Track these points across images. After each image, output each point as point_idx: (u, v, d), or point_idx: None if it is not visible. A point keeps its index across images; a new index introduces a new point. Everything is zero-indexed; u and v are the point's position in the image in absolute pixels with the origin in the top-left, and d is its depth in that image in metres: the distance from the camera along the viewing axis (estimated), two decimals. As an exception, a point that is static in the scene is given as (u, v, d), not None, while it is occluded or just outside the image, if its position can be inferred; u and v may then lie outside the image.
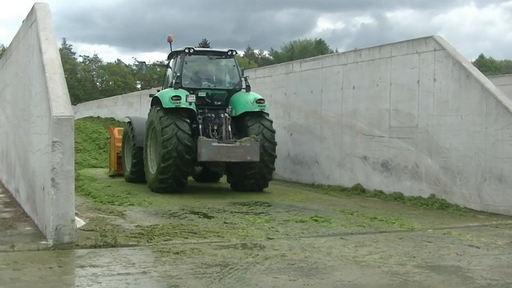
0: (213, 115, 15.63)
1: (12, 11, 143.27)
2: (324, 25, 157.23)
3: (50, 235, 8.06)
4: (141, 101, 33.19)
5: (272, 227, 10.16)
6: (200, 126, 15.27)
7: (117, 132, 19.59)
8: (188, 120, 15.05)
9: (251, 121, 15.57)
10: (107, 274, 6.75)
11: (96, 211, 11.52)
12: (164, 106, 14.98)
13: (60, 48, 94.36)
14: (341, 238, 9.24)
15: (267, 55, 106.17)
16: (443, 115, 13.14)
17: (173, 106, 14.87)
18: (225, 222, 10.51)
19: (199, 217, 11.18)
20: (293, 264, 7.42)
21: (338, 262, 7.62)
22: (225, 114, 15.30)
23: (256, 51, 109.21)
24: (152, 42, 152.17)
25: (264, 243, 8.69)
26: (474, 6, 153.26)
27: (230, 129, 15.22)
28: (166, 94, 15.25)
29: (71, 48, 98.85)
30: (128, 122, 17.93)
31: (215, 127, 15.35)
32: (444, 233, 9.86)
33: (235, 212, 11.91)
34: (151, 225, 9.81)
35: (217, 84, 16.59)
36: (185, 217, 11.13)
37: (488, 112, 12.18)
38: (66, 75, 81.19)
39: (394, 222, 10.86)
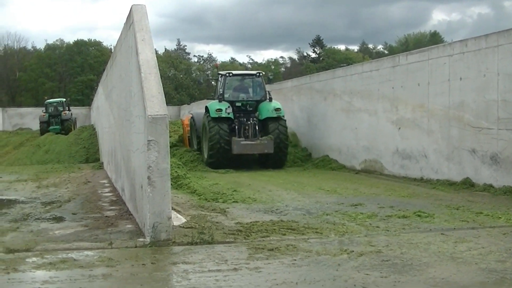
0: (245, 119, 22.53)
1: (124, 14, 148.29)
2: (439, 17, 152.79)
3: (147, 233, 8.30)
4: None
5: (373, 223, 10.10)
6: (236, 127, 22.35)
7: (186, 120, 26.35)
8: (226, 124, 21.99)
9: (271, 124, 22.32)
10: (198, 271, 6.89)
11: (199, 208, 11.79)
12: (211, 115, 22.02)
13: (175, 49, 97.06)
14: (441, 234, 9.03)
15: (381, 49, 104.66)
16: (554, 104, 12.57)
17: (217, 116, 21.89)
18: (326, 218, 10.54)
19: (302, 213, 11.24)
20: (387, 261, 7.36)
21: (435, 258, 7.49)
22: (253, 119, 22.45)
23: (370, 46, 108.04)
24: (265, 40, 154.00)
25: (362, 239, 8.66)
26: None
27: (257, 128, 22.32)
28: (212, 106, 22.29)
29: (186, 49, 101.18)
30: (192, 117, 25.11)
31: (247, 127, 22.29)
32: (553, 228, 9.45)
33: (339, 208, 11.87)
34: (250, 222, 9.99)
35: (249, 96, 23.64)
36: (287, 213, 11.22)
37: None
38: (181, 75, 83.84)
39: (500, 217, 10.49)
